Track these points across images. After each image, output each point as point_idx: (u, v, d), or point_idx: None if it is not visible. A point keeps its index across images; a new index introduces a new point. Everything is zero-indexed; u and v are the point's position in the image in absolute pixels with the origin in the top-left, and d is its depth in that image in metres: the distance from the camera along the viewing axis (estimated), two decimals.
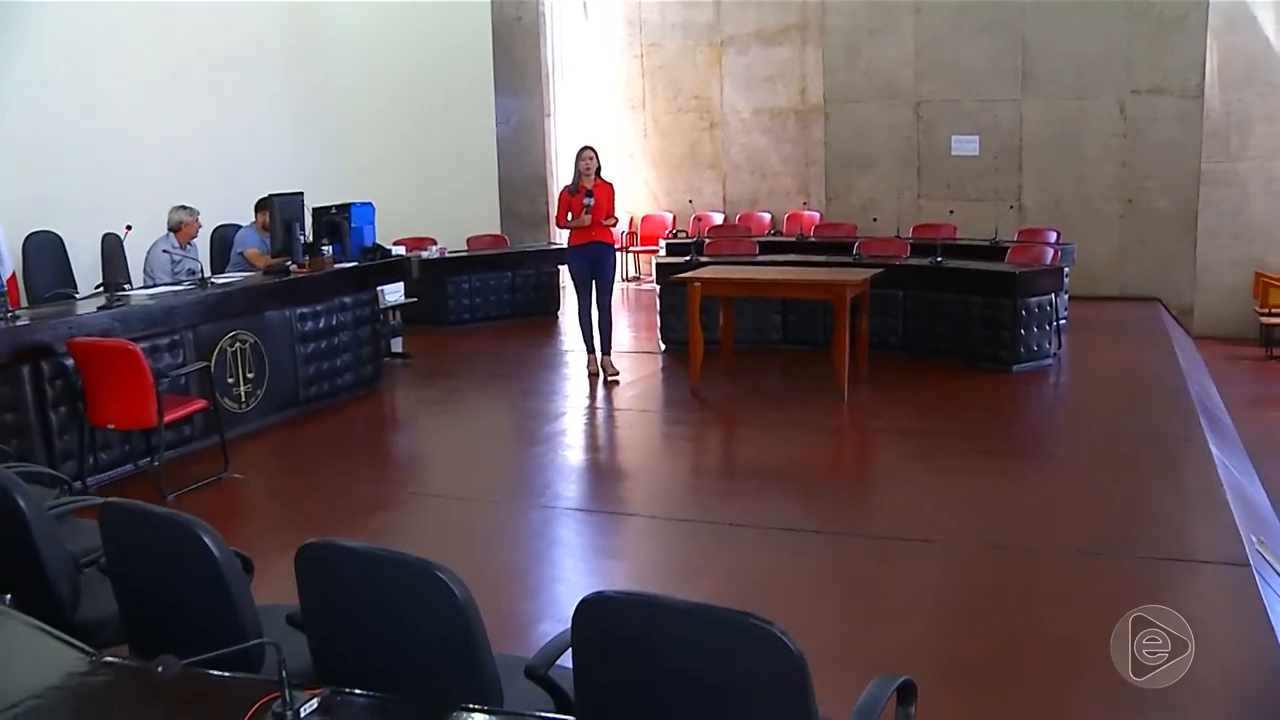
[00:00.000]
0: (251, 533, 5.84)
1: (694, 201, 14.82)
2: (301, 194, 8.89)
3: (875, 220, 12.00)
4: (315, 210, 9.15)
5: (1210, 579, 4.78)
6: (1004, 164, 13.22)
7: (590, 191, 8.68)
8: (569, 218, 8.78)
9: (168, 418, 6.39)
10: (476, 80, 13.78)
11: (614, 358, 9.11)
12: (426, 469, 7.20)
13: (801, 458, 6.97)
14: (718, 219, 14.71)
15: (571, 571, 5.22)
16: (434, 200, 13.03)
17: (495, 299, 12.05)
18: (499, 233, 13.33)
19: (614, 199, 8.94)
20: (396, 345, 10.40)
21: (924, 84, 13.44)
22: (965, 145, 13.30)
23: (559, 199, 9.11)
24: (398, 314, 11.40)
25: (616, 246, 14.67)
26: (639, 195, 15.41)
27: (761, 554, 5.25)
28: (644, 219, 15.36)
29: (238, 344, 7.73)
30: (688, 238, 12.99)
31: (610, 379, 8.92)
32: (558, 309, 12.37)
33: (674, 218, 15.01)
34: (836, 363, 8.10)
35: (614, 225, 9.10)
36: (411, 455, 7.67)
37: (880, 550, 5.24)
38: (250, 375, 7.83)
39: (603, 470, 6.93)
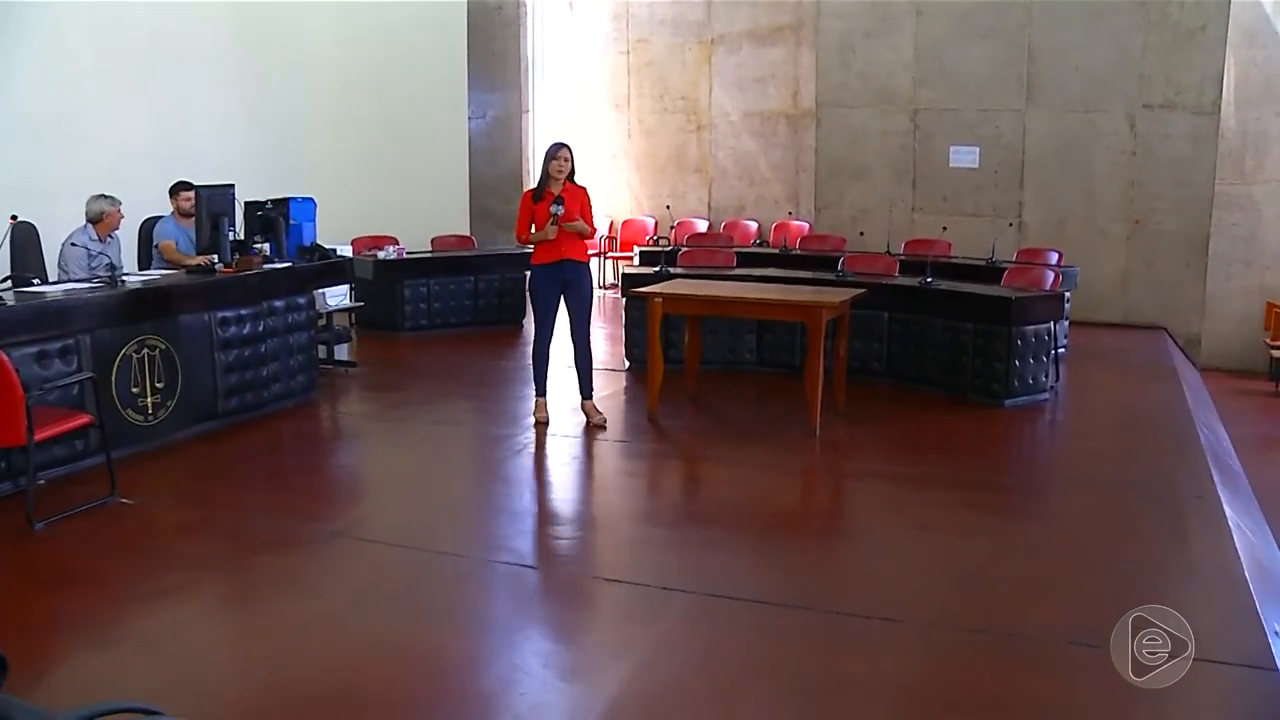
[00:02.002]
0: (113, 574, 5.04)
1: (672, 207, 14.05)
2: (232, 186, 8.11)
3: (862, 234, 11.23)
4: (248, 205, 8.35)
5: (1226, 685, 3.98)
6: (1005, 178, 12.44)
7: (560, 198, 7.25)
8: (531, 229, 7.40)
9: (40, 435, 5.60)
10: (449, 72, 12.99)
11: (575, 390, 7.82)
12: (344, 500, 6.37)
13: (760, 505, 6.13)
14: (701, 226, 13.94)
15: (467, 646, 4.38)
16: (399, 197, 12.29)
17: (456, 304, 11.27)
18: (468, 234, 12.54)
19: (590, 207, 7.50)
20: (342, 352, 9.62)
21: (922, 90, 12.66)
22: (964, 157, 12.54)
23: (520, 205, 7.55)
24: (353, 318, 10.69)
25: (594, 253, 14.12)
26: (621, 198, 14.66)
27: (696, 630, 4.45)
28: (624, 223, 14.60)
29: (145, 350, 6.95)
30: (668, 245, 12.27)
31: (595, 423, 7.52)
32: (523, 317, 11.57)
33: (655, 223, 14.23)
34: (809, 394, 7.31)
35: (589, 238, 7.64)
36: (332, 482, 6.82)
37: (837, 631, 4.43)
38: (160, 385, 7.05)
39: (536, 512, 6.09)
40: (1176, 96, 11.69)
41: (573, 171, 7.46)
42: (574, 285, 7.45)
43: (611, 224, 14.50)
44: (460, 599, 4.81)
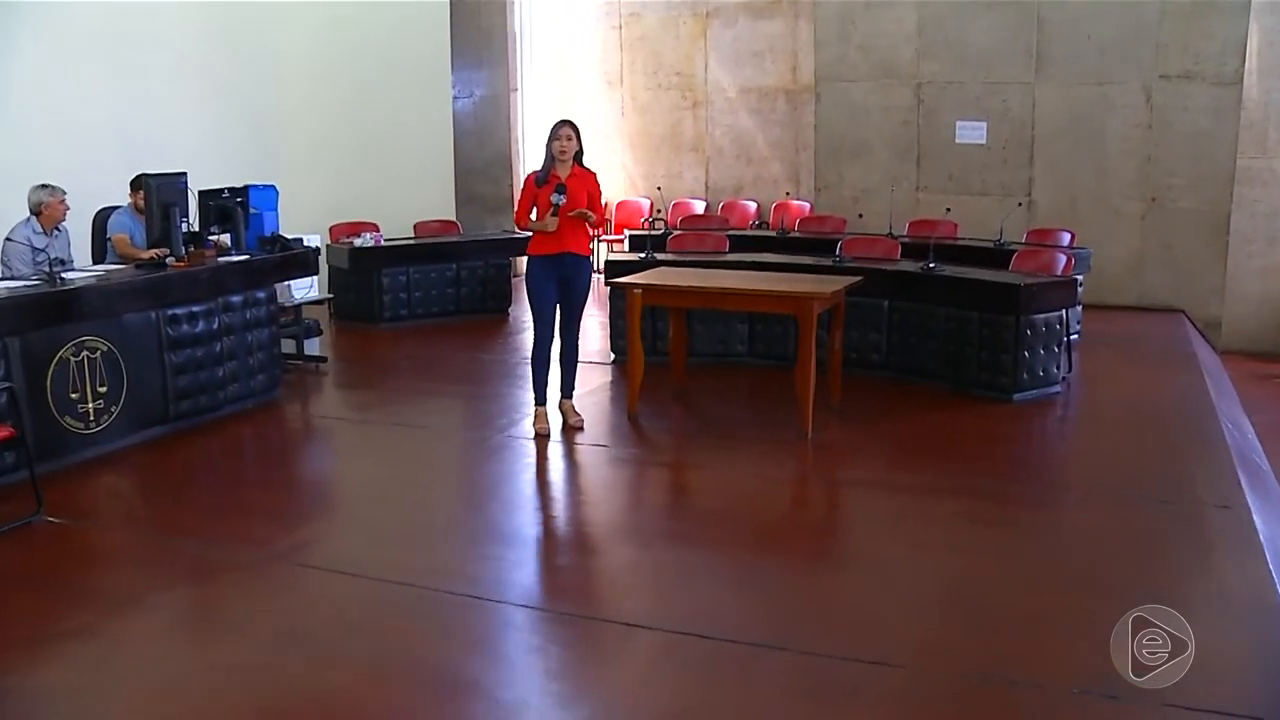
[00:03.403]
0: (14, 612, 4.54)
1: (669, 188, 13.44)
2: (184, 174, 7.57)
3: (861, 216, 10.66)
4: (202, 194, 7.81)
5: None
6: (1013, 155, 11.83)
7: (563, 184, 6.61)
8: (531, 216, 6.77)
9: None
10: (432, 49, 12.40)
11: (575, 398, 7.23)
12: (293, 518, 5.76)
13: (742, 522, 5.56)
14: (698, 207, 13.36)
15: (400, 697, 3.80)
16: (381, 182, 11.77)
17: (437, 294, 10.74)
18: (453, 219, 12.00)
19: (598, 195, 6.86)
20: (313, 347, 9.11)
21: (926, 63, 12.03)
22: (971, 133, 11.91)
23: (522, 189, 6.90)
24: (332, 308, 10.24)
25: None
26: (615, 179, 14.06)
27: (659, 681, 3.91)
28: (619, 205, 14.01)
29: (84, 353, 6.46)
30: (663, 227, 11.77)
31: (572, 424, 7.01)
32: (508, 306, 11.04)
33: (651, 204, 13.65)
34: (800, 393, 6.76)
35: (597, 229, 7.03)
36: (281, 496, 6.20)
37: (821, 680, 3.88)
38: (102, 389, 6.57)
39: (496, 532, 5.53)
40: (1195, 66, 11.05)
41: (580, 153, 6.80)
42: (572, 280, 6.85)
43: (606, 205, 13.89)
44: (401, 638, 4.28)
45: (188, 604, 4.67)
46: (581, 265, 6.90)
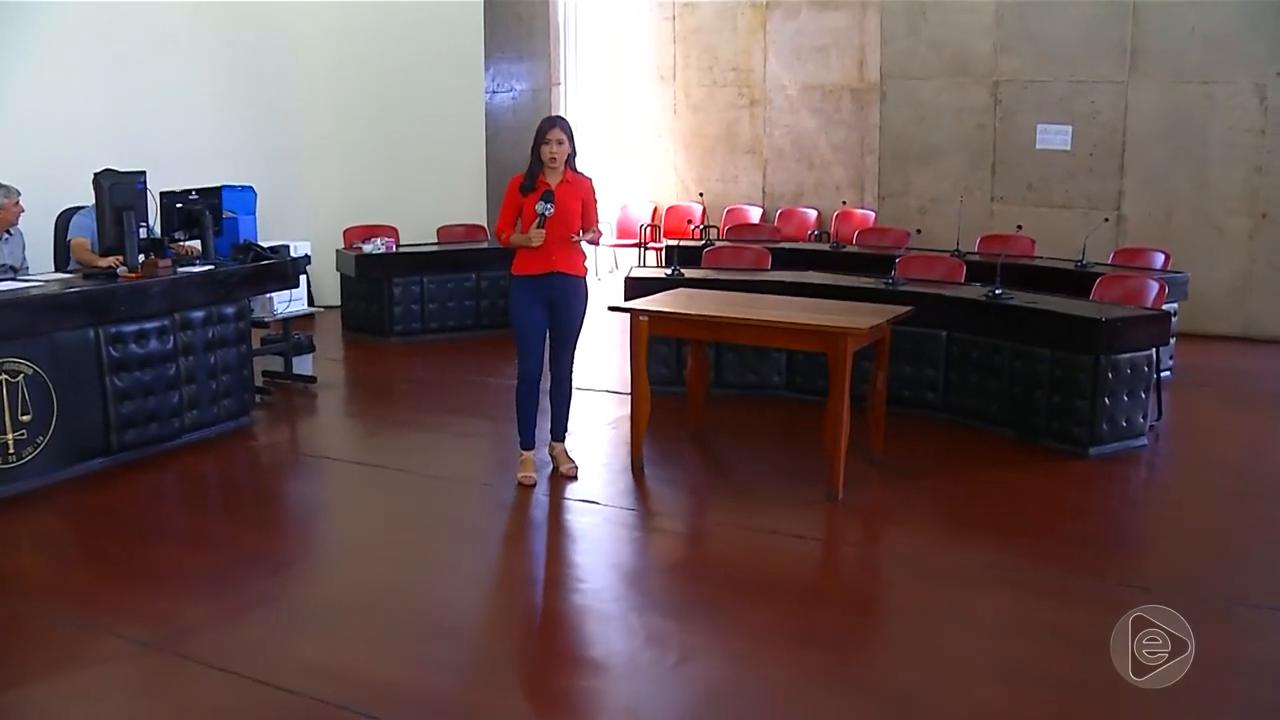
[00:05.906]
0: None
1: (712, 195, 12.45)
2: (143, 174, 6.75)
3: (919, 232, 9.49)
4: (164, 196, 6.94)
5: None
6: (1102, 163, 10.56)
7: (550, 192, 5.67)
8: (516, 229, 5.78)
9: None
10: (464, 40, 11.48)
11: (570, 441, 6.23)
12: (201, 585, 4.71)
13: (738, 621, 4.44)
14: (754, 214, 12.29)
15: None
16: (406, 183, 10.94)
17: (454, 306, 9.84)
18: (483, 223, 11.07)
19: (595, 204, 5.90)
20: (304, 365, 8.23)
21: (1004, 59, 10.83)
22: (1054, 137, 10.69)
23: (505, 197, 5.87)
24: (343, 317, 9.41)
25: (633, 244, 12.57)
26: (666, 181, 13.09)
27: None
28: (669, 210, 13.00)
29: (4, 376, 5.66)
30: (716, 236, 10.84)
31: (564, 473, 6.06)
32: None
33: (702, 210, 12.59)
34: (829, 446, 5.64)
35: (594, 242, 5.98)
36: (205, 556, 5.13)
37: None
38: (25, 418, 5.78)
39: (428, 620, 4.46)
40: None
41: (573, 156, 5.77)
42: (562, 304, 5.83)
43: (655, 210, 12.96)
44: None
45: (28, 709, 3.75)
46: (573, 287, 5.87)
